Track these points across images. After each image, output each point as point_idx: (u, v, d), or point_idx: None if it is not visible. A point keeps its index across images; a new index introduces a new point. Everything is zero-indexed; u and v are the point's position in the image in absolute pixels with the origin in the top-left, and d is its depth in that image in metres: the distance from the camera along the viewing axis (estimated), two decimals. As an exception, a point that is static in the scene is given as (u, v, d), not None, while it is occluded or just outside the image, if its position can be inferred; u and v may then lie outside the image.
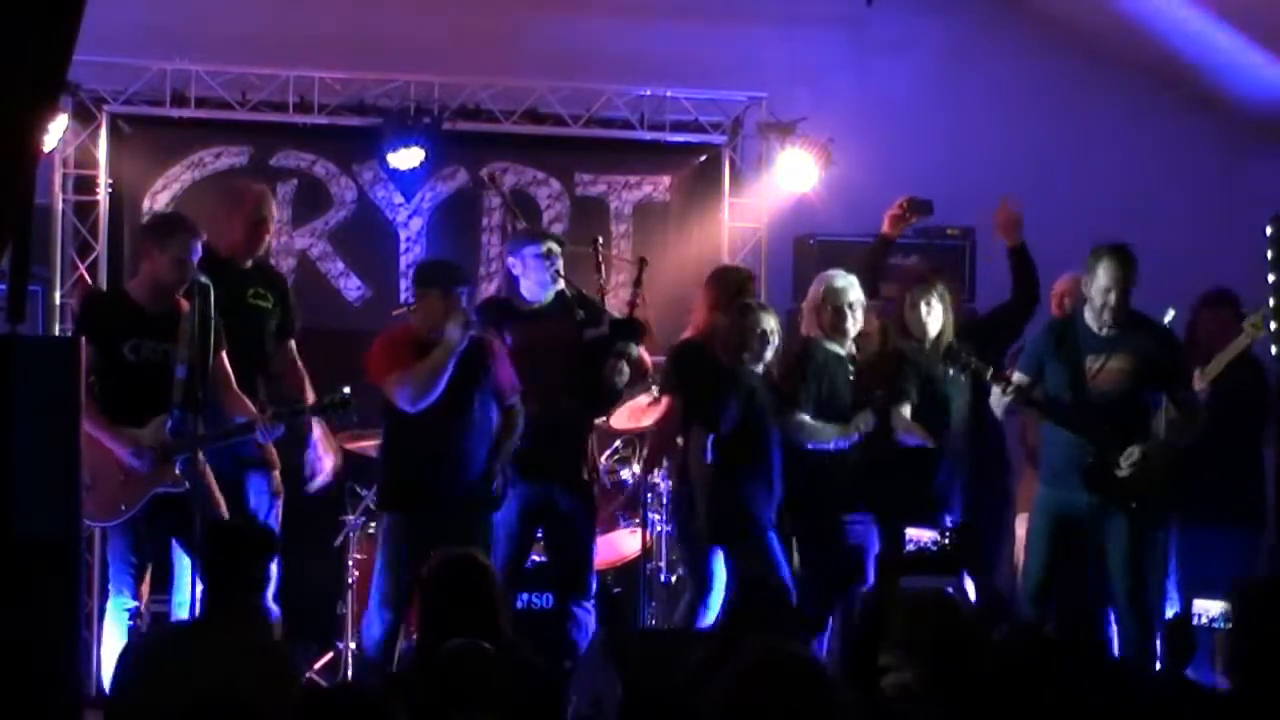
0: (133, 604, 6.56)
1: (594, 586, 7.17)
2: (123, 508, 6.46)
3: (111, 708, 5.15)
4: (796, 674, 3.43)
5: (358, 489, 7.89)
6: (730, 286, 7.43)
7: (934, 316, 7.25)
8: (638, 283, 7.34)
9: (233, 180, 8.30)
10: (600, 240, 7.39)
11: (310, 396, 7.07)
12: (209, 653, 4.83)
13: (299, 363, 7.29)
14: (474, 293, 6.88)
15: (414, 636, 7.47)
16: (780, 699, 3.37)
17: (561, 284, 7.24)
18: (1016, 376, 6.98)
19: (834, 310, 7.28)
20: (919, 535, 6.72)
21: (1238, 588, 5.15)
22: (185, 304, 6.54)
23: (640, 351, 7.27)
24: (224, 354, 6.65)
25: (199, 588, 6.00)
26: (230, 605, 5.01)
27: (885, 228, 7.85)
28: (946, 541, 6.72)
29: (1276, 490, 7.60)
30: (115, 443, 6.42)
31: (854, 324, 7.28)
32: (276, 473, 6.96)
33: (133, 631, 6.57)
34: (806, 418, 7.15)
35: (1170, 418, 6.98)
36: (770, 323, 7.15)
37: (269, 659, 4.95)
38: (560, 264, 7.19)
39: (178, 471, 6.47)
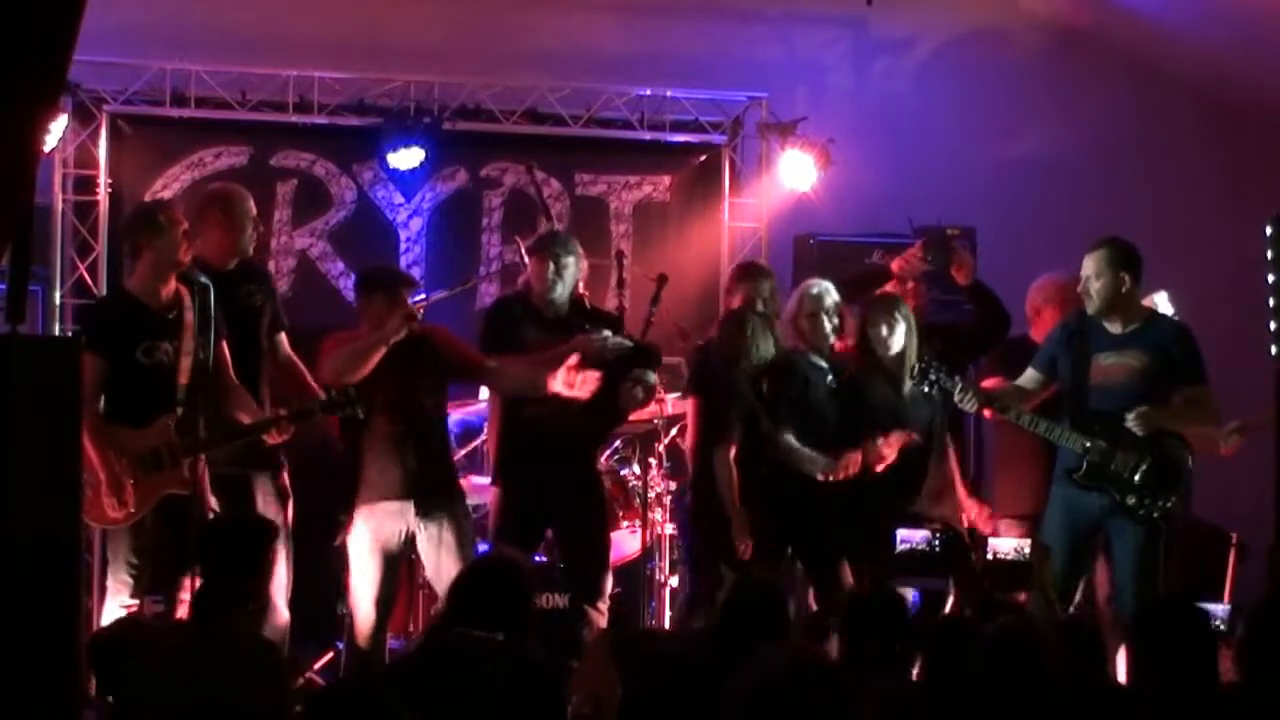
0: (130, 603, 6.55)
1: (609, 587, 7.15)
2: (131, 510, 6.45)
3: (110, 708, 5.16)
4: (818, 680, 3.42)
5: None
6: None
7: (896, 336, 7.18)
8: (655, 300, 7.30)
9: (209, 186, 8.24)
10: (623, 253, 7.34)
11: (313, 385, 7.01)
12: (203, 653, 4.84)
13: (293, 355, 7.10)
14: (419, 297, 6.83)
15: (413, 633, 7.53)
16: (802, 704, 3.37)
17: (581, 293, 7.18)
18: (1028, 373, 6.97)
19: (809, 317, 7.19)
20: (910, 536, 6.71)
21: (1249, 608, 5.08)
22: (186, 294, 6.53)
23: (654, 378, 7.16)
24: (224, 345, 6.64)
25: (192, 585, 6.02)
26: (226, 602, 5.01)
27: (895, 266, 7.74)
28: (938, 542, 6.72)
29: (1276, 491, 7.57)
30: (105, 465, 6.37)
31: (831, 329, 7.21)
32: (285, 474, 6.92)
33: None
34: (793, 441, 7.02)
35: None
36: (760, 329, 7.07)
37: (262, 658, 4.95)
38: (575, 274, 7.10)
39: (186, 474, 6.47)
